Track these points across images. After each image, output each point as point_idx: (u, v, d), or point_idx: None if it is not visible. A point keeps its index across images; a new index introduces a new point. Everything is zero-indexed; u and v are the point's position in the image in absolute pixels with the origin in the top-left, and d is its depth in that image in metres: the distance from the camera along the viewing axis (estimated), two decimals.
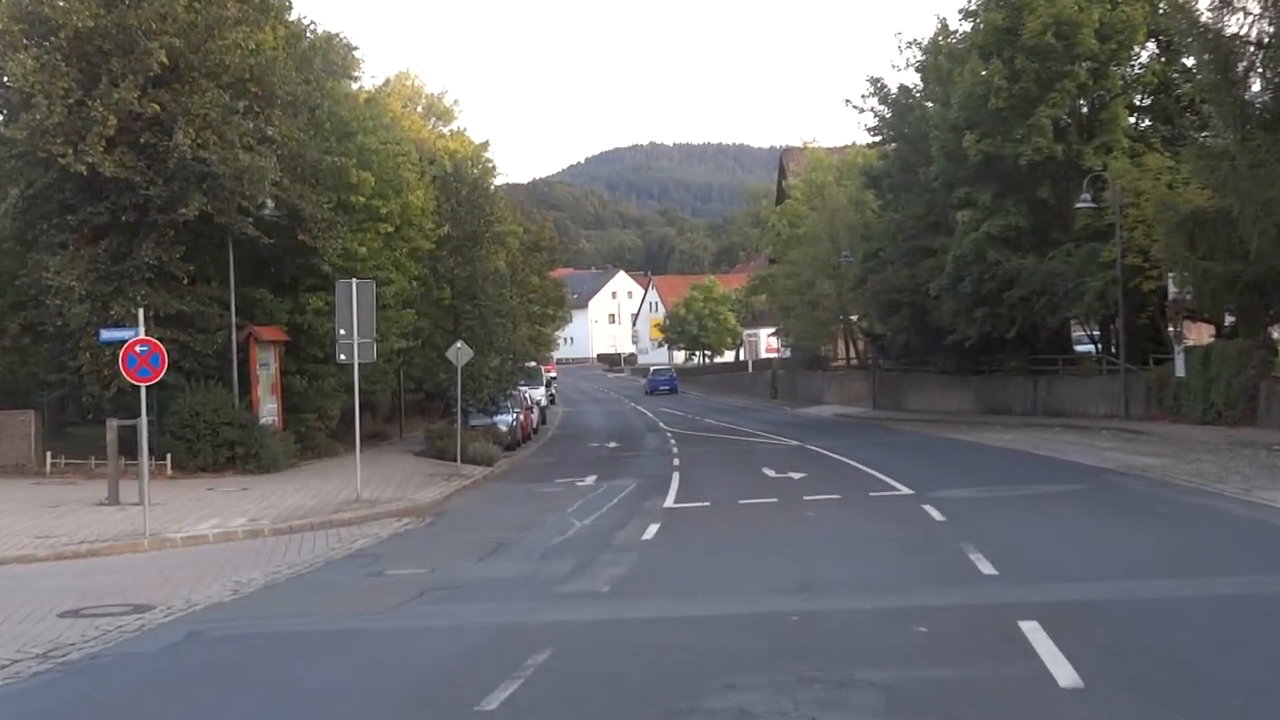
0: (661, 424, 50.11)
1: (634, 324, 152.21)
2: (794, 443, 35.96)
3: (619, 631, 11.13)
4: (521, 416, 41.33)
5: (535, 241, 58.20)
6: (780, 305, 69.20)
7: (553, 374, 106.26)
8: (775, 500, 21.23)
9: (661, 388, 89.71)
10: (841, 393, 60.62)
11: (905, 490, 21.66)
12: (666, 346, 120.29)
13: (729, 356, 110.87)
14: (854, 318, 61.47)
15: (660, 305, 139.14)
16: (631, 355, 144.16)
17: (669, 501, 22.12)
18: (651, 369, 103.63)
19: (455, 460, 30.14)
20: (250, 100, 28.72)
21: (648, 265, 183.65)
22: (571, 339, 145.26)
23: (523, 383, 46.73)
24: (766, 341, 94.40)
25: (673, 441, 39.13)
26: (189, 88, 27.86)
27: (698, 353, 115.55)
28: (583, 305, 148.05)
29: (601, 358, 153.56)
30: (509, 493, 26.08)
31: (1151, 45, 39.74)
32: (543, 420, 52.95)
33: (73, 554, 17.53)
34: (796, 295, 62.46)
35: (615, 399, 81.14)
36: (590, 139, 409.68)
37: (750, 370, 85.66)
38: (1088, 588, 12.00)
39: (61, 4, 27.36)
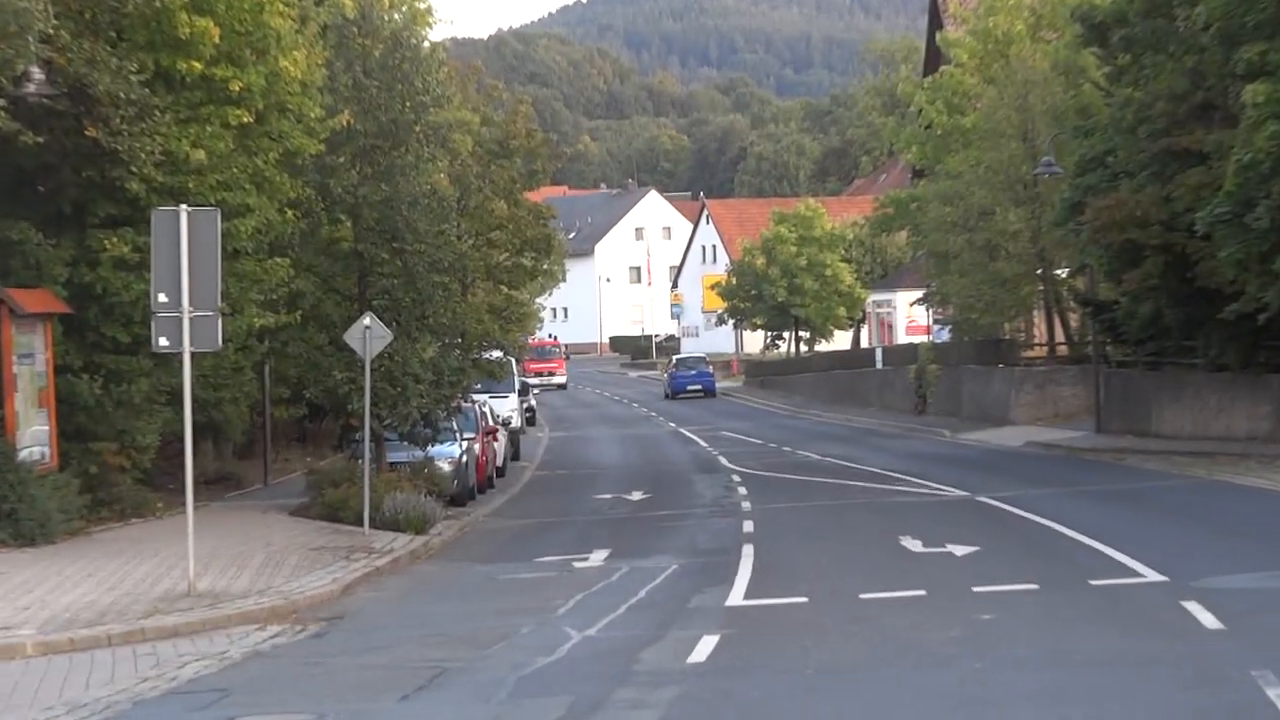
0: (722, 458, 50.19)
1: (674, 284, 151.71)
2: (958, 493, 36.05)
3: None
4: (477, 447, 41.33)
5: (502, 140, 58.26)
6: (932, 251, 68.96)
7: (561, 378, 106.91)
8: (923, 593, 21.34)
9: (689, 387, 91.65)
10: (1041, 404, 60.45)
11: (1152, 576, 21.73)
12: (731, 323, 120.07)
13: (842, 341, 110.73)
14: (1061, 273, 61.18)
15: (721, 250, 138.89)
16: (670, 339, 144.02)
17: (735, 596, 22.21)
18: (674, 359, 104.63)
19: (361, 524, 30.17)
20: None
21: (698, 181, 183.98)
22: (566, 310, 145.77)
23: (479, 388, 46.73)
24: (907, 315, 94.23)
25: (742, 490, 39.22)
26: None
27: (786, 334, 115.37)
28: (586, 251, 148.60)
29: (618, 344, 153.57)
30: (455, 581, 26.13)
31: None
32: (514, 454, 53.08)
33: None
34: (961, 233, 62.23)
35: (640, 415, 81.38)
36: None
37: (879, 365, 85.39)
38: None
39: None
